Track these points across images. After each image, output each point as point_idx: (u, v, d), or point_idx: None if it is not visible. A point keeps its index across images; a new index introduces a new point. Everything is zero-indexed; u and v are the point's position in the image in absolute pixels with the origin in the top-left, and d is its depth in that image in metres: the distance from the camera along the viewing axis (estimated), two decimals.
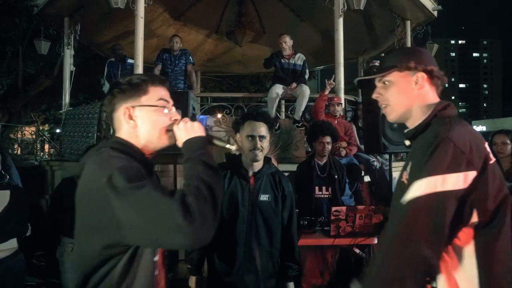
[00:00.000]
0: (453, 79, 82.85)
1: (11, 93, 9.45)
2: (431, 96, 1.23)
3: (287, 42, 4.92)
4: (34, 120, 17.17)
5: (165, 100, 1.15)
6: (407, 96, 1.23)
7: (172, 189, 1.11)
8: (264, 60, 5.09)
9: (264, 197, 1.91)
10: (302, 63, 4.96)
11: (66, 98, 6.03)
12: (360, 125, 4.67)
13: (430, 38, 6.59)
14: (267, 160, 1.99)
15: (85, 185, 1.01)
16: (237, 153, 1.93)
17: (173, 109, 1.17)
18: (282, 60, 4.93)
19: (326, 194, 3.35)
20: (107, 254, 0.98)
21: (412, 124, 1.25)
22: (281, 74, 4.90)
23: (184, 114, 1.91)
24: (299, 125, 4.81)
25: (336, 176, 3.41)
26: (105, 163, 0.99)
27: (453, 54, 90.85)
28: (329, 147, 3.38)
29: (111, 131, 5.32)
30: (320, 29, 7.30)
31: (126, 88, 1.12)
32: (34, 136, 11.92)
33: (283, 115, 5.82)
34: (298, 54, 5.01)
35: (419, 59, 1.23)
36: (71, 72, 5.94)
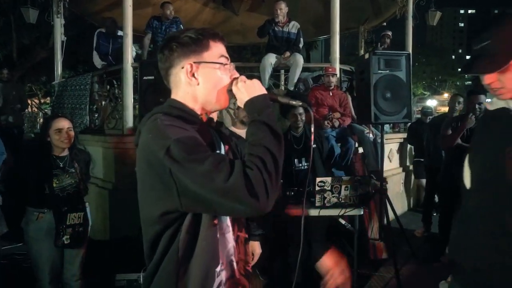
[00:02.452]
0: (460, 51, 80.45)
1: (7, 65, 9.31)
2: None
3: (282, 9, 4.73)
4: (35, 93, 17.14)
5: (226, 57, 1.07)
6: None
7: (234, 158, 1.11)
8: (258, 29, 4.92)
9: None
10: (296, 32, 4.79)
11: (59, 69, 5.93)
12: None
13: (434, 6, 6.32)
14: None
15: (144, 156, 0.96)
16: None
17: (233, 67, 1.10)
18: (276, 28, 4.76)
19: (306, 165, 3.27)
20: (165, 220, 0.96)
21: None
22: (275, 42, 4.74)
23: None
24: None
25: (314, 145, 3.31)
26: (161, 133, 0.93)
27: (462, 25, 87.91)
28: (302, 117, 3.29)
29: (103, 103, 5.28)
30: None
31: (188, 42, 1.03)
32: (36, 110, 11.91)
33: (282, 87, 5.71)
34: (293, 22, 4.83)
35: None
36: (63, 42, 5.82)
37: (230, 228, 1.06)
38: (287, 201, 2.87)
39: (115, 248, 3.83)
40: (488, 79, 1.19)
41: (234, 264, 1.07)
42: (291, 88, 4.73)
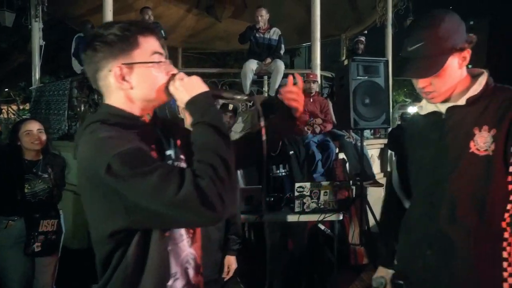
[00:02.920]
0: None
1: None
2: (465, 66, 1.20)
3: (263, 16, 4.77)
4: (13, 99, 16.72)
5: (160, 54, 0.96)
6: (455, 77, 1.17)
7: (182, 167, 1.00)
8: (239, 35, 4.94)
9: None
10: (277, 38, 4.83)
11: (36, 74, 5.80)
12: None
13: (412, 15, 6.48)
14: None
15: (83, 174, 0.88)
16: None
17: (168, 62, 0.99)
18: (257, 35, 4.79)
19: (284, 171, 3.22)
20: (115, 240, 0.89)
21: (456, 95, 1.19)
22: (256, 49, 4.77)
23: None
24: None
25: (291, 152, 3.30)
26: (99, 148, 0.85)
27: None
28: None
29: (82, 108, 5.18)
30: (305, 4, 7.11)
31: (113, 40, 0.91)
32: (13, 116, 11.60)
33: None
34: (274, 29, 4.87)
35: (464, 35, 1.14)
36: (41, 46, 5.69)
37: (184, 236, 1.01)
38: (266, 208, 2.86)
39: (93, 257, 3.74)
40: (422, 83, 1.18)
41: (190, 269, 1.01)
42: (272, 94, 4.74)
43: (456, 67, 1.15)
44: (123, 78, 0.93)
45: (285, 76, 4.94)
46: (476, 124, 1.12)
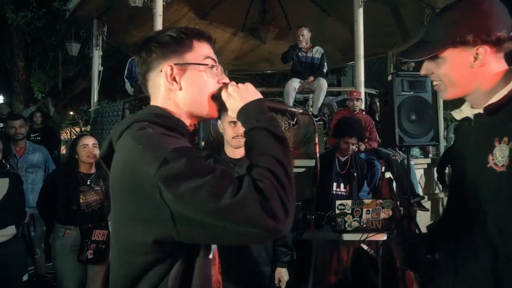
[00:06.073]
0: None
1: (53, 96, 10.05)
2: (497, 65, 0.99)
3: (305, 35, 4.83)
4: (77, 121, 18.22)
5: (213, 59, 0.94)
6: (466, 73, 0.99)
7: (238, 174, 0.93)
8: (282, 55, 5.02)
9: None
10: (320, 56, 4.84)
11: (95, 97, 6.31)
12: (377, 118, 4.48)
13: None
14: None
15: (125, 167, 0.80)
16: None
17: (221, 70, 0.96)
18: (300, 54, 4.84)
19: (344, 191, 3.29)
20: (156, 252, 0.79)
21: (480, 98, 1.01)
22: (299, 67, 4.81)
23: None
24: (317, 119, 4.69)
25: (355, 174, 3.32)
26: (152, 143, 0.77)
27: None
28: (353, 147, 3.30)
29: None
30: (347, 23, 7.11)
31: (168, 42, 0.90)
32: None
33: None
34: (316, 47, 4.90)
35: (480, 27, 0.95)
36: (99, 72, 6.20)
37: (216, 261, 0.95)
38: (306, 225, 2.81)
39: None
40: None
41: None
42: (316, 113, 4.72)
43: (467, 63, 0.98)
44: (174, 79, 0.90)
45: (328, 94, 4.91)
46: (497, 134, 0.95)
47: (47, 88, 11.13)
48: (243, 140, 1.79)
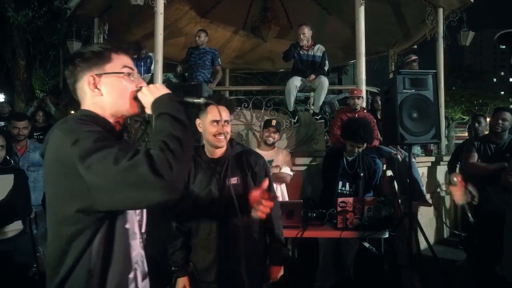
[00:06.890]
0: (502, 73, 76.83)
1: (54, 95, 10.07)
2: None
3: (306, 33, 4.81)
4: None
5: (130, 68, 1.13)
6: None
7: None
8: (283, 53, 5.01)
9: (233, 180, 1.83)
10: (321, 55, 4.83)
11: None
12: (379, 117, 4.47)
13: (466, 26, 6.15)
14: (230, 143, 1.90)
15: (53, 152, 0.99)
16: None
17: (138, 76, 1.16)
18: (301, 52, 4.83)
19: (349, 191, 3.28)
20: (80, 222, 0.96)
21: None
22: (300, 66, 4.80)
23: None
24: (318, 117, 4.69)
25: (362, 174, 3.31)
26: (71, 129, 0.98)
27: (504, 46, 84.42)
28: (359, 150, 3.32)
29: (135, 127, 5.50)
30: (349, 22, 7.09)
31: (89, 56, 1.09)
32: None
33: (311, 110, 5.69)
34: (318, 46, 4.89)
35: None
36: None
37: (138, 235, 1.09)
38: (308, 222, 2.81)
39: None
40: None
41: (138, 273, 1.08)
42: (317, 111, 4.72)
43: None
44: (95, 87, 1.09)
45: (330, 92, 4.90)
46: None
47: (48, 86, 11.17)
48: (223, 139, 1.80)
